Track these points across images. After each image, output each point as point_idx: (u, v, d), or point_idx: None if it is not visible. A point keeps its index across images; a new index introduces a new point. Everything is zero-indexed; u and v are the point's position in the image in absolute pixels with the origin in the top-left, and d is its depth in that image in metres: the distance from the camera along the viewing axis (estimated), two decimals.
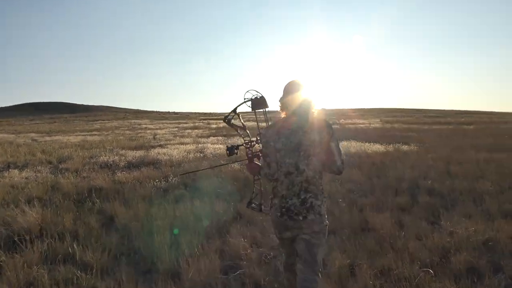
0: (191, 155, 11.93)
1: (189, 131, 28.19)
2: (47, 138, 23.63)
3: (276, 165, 2.35)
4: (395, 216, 4.65)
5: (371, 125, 30.80)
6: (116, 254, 3.74)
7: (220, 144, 15.70)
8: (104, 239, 4.07)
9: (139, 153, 12.82)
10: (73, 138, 22.86)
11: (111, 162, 10.74)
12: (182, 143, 16.76)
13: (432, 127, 26.30)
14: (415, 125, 28.97)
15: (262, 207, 2.68)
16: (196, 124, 40.17)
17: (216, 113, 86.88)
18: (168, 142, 17.88)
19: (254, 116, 2.61)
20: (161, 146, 15.87)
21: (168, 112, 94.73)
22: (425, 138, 16.98)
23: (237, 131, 2.71)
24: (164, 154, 12.34)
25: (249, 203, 2.73)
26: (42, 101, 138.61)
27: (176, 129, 31.49)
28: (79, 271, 3.25)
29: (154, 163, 10.47)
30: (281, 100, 2.43)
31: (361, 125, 29.80)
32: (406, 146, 13.31)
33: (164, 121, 50.63)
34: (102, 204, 5.55)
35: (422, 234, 3.95)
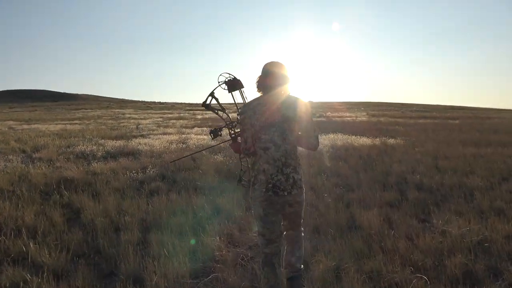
0: (173, 146, 11.51)
1: (174, 121, 27.61)
2: (25, 126, 22.84)
3: (251, 140, 2.45)
4: (383, 213, 4.36)
5: (358, 118, 30.71)
6: (76, 254, 3.35)
7: (204, 135, 15.29)
8: (65, 237, 3.67)
9: (119, 143, 12.33)
10: (53, 127, 22.13)
11: (88, 152, 10.25)
12: (165, 134, 16.30)
13: (418, 121, 26.31)
14: (401, 119, 28.99)
15: (251, 183, 2.64)
16: (182, 114, 39.52)
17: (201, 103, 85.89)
18: (151, 132, 17.37)
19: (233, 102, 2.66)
20: (143, 136, 15.38)
21: (154, 102, 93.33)
22: (412, 132, 16.87)
23: (217, 114, 2.75)
24: (145, 144, 11.90)
25: (239, 180, 2.80)
26: (24, 88, 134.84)
27: (161, 119, 30.85)
28: (30, 274, 2.85)
29: (134, 154, 10.03)
30: (259, 79, 2.50)
31: (348, 118, 29.69)
32: (393, 140, 13.12)
33: (149, 111, 49.78)
34: (70, 196, 5.13)
35: (413, 233, 3.66)
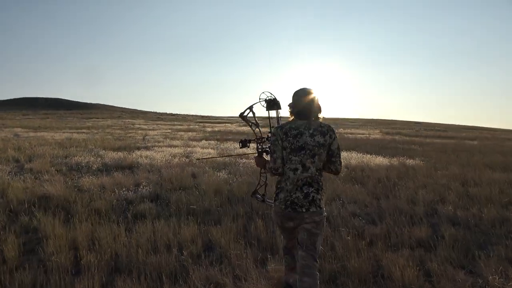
0: (176, 160, 10.77)
1: (182, 133, 27.01)
2: (31, 134, 22.43)
3: (281, 161, 2.61)
4: (416, 257, 3.50)
5: (371, 136, 29.69)
6: None
7: (211, 149, 14.54)
8: (8, 279, 2.88)
9: (119, 155, 11.66)
10: (59, 136, 21.66)
11: (84, 164, 9.56)
12: (170, 146, 15.60)
13: (434, 141, 25.16)
14: (417, 138, 27.85)
15: (266, 198, 2.89)
16: (191, 126, 38.96)
17: (213, 116, 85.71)
18: (156, 144, 16.70)
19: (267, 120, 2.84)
20: (147, 148, 14.72)
21: (165, 113, 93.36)
22: (430, 152, 15.86)
23: (251, 127, 2.95)
24: (146, 157, 11.18)
25: (254, 192, 2.93)
26: (39, 96, 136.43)
27: (169, 130, 30.28)
28: None
29: (132, 167, 9.31)
30: (291, 104, 2.67)
31: (361, 135, 28.68)
32: (412, 160, 12.18)
33: (159, 122, 49.43)
34: (42, 218, 4.36)
35: None
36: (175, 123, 48.35)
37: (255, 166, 2.92)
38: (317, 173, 2.60)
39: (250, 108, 2.94)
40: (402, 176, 8.37)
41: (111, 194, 5.81)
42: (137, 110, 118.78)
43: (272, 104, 2.85)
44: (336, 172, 2.73)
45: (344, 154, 13.06)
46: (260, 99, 2.86)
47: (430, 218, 4.97)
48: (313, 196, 2.56)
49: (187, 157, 11.67)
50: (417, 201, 5.78)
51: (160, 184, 6.73)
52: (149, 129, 31.54)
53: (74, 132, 25.15)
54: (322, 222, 2.62)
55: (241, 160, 10.95)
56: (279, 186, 2.66)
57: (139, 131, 28.07)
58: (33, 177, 7.44)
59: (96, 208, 4.90)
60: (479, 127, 73.47)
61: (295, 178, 2.56)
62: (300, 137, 2.57)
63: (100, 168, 9.20)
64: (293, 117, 2.69)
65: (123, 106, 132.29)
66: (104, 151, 12.81)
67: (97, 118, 59.26)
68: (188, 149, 14.25)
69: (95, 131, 26.92)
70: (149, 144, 16.34)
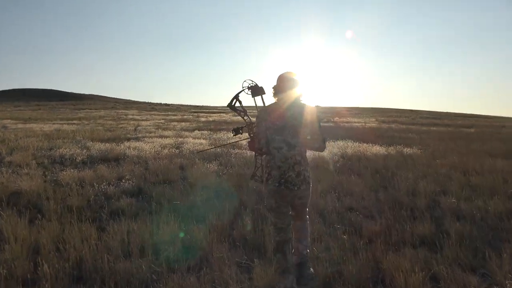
0: (165, 151, 10.35)
1: (175, 123, 26.52)
2: (20, 126, 21.86)
3: (264, 141, 2.74)
4: (421, 258, 3.13)
5: (367, 124, 29.35)
6: None
7: (203, 139, 14.10)
8: None
9: (107, 146, 11.21)
10: (48, 127, 21.12)
11: (68, 156, 9.12)
12: (162, 136, 15.16)
13: (431, 129, 24.89)
14: (413, 126, 27.57)
15: (264, 179, 2.85)
16: (185, 116, 38.40)
17: (207, 106, 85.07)
18: (148, 134, 16.24)
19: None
20: (137, 138, 14.27)
21: (159, 104, 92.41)
22: (427, 140, 15.55)
23: (240, 115, 3.03)
24: (135, 148, 10.75)
25: (253, 175, 3.01)
26: (31, 87, 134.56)
27: (163, 121, 29.77)
28: None
29: (118, 159, 8.88)
30: (275, 86, 2.80)
31: (357, 124, 28.32)
32: (409, 149, 11.84)
33: (152, 112, 48.78)
34: (8, 218, 3.95)
35: None
36: (169, 113, 47.73)
37: (248, 151, 3.10)
38: (302, 151, 2.77)
39: (236, 97, 3.00)
40: (400, 166, 8.01)
41: (90, 189, 5.40)
42: (131, 100, 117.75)
43: (256, 90, 2.91)
44: (320, 150, 2.84)
45: (340, 144, 12.68)
46: (243, 87, 2.93)
47: (432, 211, 4.61)
48: (304, 174, 2.75)
49: (177, 148, 11.25)
50: (417, 192, 5.42)
51: (145, 177, 6.33)
52: (142, 120, 30.99)
53: (65, 123, 24.58)
54: (310, 193, 2.88)
55: (233, 150, 10.55)
56: (268, 165, 2.78)
57: (132, 122, 27.52)
58: (10, 171, 7.00)
59: (70, 205, 4.49)
60: (474, 114, 73.35)
61: (280, 156, 2.70)
62: (282, 118, 2.69)
63: (84, 160, 8.76)
64: (276, 98, 2.80)
65: (117, 97, 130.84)
66: (91, 142, 12.34)
67: (90, 109, 58.45)
68: (180, 139, 13.83)
69: (86, 122, 26.36)
70: (140, 135, 15.89)
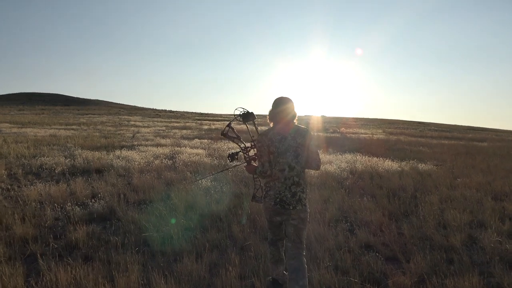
0: (157, 162, 9.44)
1: (176, 131, 25.71)
2: (14, 130, 21.11)
3: (269, 164, 2.85)
4: None
5: (374, 136, 28.31)
6: None
7: (201, 149, 13.18)
8: None
9: (96, 155, 10.35)
10: (44, 132, 20.37)
11: (48, 166, 8.23)
12: (158, 145, 14.28)
13: (442, 142, 23.79)
14: (422, 139, 26.50)
15: (262, 198, 2.98)
16: (188, 124, 37.58)
17: (212, 113, 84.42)
18: (144, 142, 15.39)
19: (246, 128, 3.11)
20: (131, 147, 13.42)
21: (164, 110, 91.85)
22: (440, 154, 14.54)
23: (234, 141, 3.20)
24: (124, 158, 9.86)
25: (253, 197, 3.13)
26: (38, 91, 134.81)
27: (164, 128, 28.99)
28: None
29: (102, 171, 7.99)
30: (271, 112, 2.92)
31: (364, 135, 27.26)
32: (423, 165, 10.85)
33: (156, 119, 48.05)
34: None
35: None
36: (172, 120, 47.01)
37: (247, 173, 3.19)
38: (302, 172, 2.88)
39: (229, 125, 3.15)
40: (419, 187, 7.03)
41: (50, 210, 4.48)
42: (136, 106, 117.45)
43: (248, 116, 3.06)
44: (317, 168, 2.97)
45: (348, 157, 11.73)
46: (235, 115, 3.08)
47: (472, 253, 3.63)
48: (299, 195, 2.84)
49: (171, 158, 10.34)
50: (448, 224, 4.44)
51: (123, 196, 5.40)
52: (143, 126, 30.23)
53: (62, 129, 23.85)
54: (306, 218, 2.90)
55: (232, 163, 9.63)
56: (267, 185, 2.90)
57: (132, 128, 26.75)
58: None
59: (15, 236, 3.56)
60: (483, 128, 71.91)
61: (282, 177, 2.81)
62: (284, 141, 2.83)
63: (64, 171, 7.87)
64: (271, 123, 2.93)
65: (123, 103, 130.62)
66: (81, 150, 11.49)
67: (93, 114, 57.92)
68: (177, 148, 12.93)
69: (85, 128, 25.63)
70: (135, 143, 15.03)
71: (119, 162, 8.94)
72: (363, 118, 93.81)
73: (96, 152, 10.95)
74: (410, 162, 11.16)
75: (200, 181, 6.88)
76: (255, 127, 3.09)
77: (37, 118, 39.86)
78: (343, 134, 27.46)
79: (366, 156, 12.00)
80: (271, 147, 2.80)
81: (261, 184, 3.03)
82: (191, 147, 13.69)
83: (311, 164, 2.90)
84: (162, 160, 9.77)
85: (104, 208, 4.76)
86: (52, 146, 12.73)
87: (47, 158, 9.22)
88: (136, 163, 9.08)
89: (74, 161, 9.11)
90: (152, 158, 10.22)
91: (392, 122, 74.97)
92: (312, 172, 8.55)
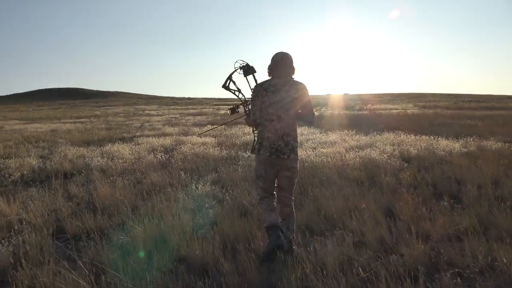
0: (150, 157, 7.45)
1: (190, 117, 23.83)
2: (17, 127, 19.80)
3: (259, 113, 2.95)
4: None
5: (408, 110, 25.54)
6: None
7: (211, 137, 11.10)
8: None
9: (81, 151, 8.49)
10: (47, 127, 18.97)
11: (6, 172, 6.37)
12: (164, 135, 12.36)
13: (486, 113, 20.85)
14: (463, 111, 23.56)
15: (256, 150, 2.99)
16: (204, 110, 35.65)
17: (231, 98, 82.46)
18: (148, 133, 13.48)
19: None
20: (131, 139, 11.56)
21: (183, 98, 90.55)
22: (499, 128, 11.94)
23: (235, 94, 3.20)
24: (110, 155, 7.92)
25: (253, 149, 3.07)
26: (59, 87, 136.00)
27: (178, 115, 27.13)
28: None
29: (72, 175, 6.05)
30: (269, 66, 3.02)
31: (396, 111, 24.52)
32: (489, 142, 8.46)
33: (172, 107, 46.46)
34: None
35: None
36: (189, 107, 45.24)
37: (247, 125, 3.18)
38: (293, 124, 2.98)
39: (230, 77, 3.13)
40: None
41: None
42: (155, 96, 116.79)
43: (247, 69, 3.07)
44: (310, 123, 3.27)
45: (389, 137, 9.42)
46: (235, 68, 3.09)
47: None
48: (292, 144, 2.95)
49: (170, 152, 8.35)
50: None
51: (53, 228, 3.36)
52: (157, 115, 28.51)
53: (70, 122, 22.38)
54: (297, 169, 3.04)
55: (244, 153, 7.55)
56: (260, 136, 2.98)
57: (143, 118, 25.05)
58: None
59: None
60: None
61: (271, 127, 2.91)
62: (278, 93, 2.93)
63: (23, 177, 5.99)
64: (271, 77, 3.01)
65: (142, 93, 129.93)
66: (68, 146, 9.64)
67: (110, 106, 56.96)
68: (183, 138, 10.94)
69: (95, 120, 24.13)
70: (137, 134, 13.15)
71: (99, 162, 6.98)
72: (389, 93, 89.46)
73: (83, 149, 9.07)
74: (468, 139, 8.76)
75: (194, 187, 4.81)
76: (255, 81, 3.09)
77: (52, 113, 38.87)
78: (372, 111, 24.81)
79: (411, 135, 9.67)
80: (264, 96, 2.92)
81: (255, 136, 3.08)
82: (199, 136, 11.66)
83: (304, 118, 3.01)
84: (157, 154, 7.77)
85: (15, 252, 2.74)
86: (38, 143, 10.99)
87: (16, 160, 7.36)
88: (121, 161, 7.11)
89: (48, 162, 7.23)
90: (146, 152, 8.25)
91: (421, 95, 70.78)
92: (350, 161, 6.38)
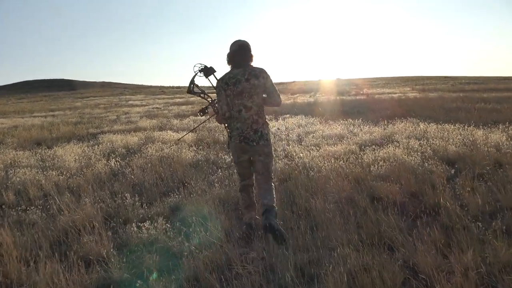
0: (99, 165, 5.58)
1: (175, 107, 21.82)
2: None
3: (226, 107, 2.99)
4: None
5: (408, 94, 23.75)
6: None
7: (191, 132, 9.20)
8: None
9: (20, 156, 6.59)
10: (12, 122, 17.00)
11: None
12: (136, 130, 10.47)
13: (497, 95, 19.04)
14: (469, 94, 21.75)
15: (228, 139, 3.09)
16: (191, 99, 33.52)
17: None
18: (118, 127, 11.57)
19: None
20: (93, 135, 9.68)
21: (171, 87, 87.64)
22: None
23: (201, 97, 3.27)
24: (53, 161, 6.02)
25: (228, 145, 3.14)
26: (43, 78, 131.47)
27: (162, 105, 25.03)
28: None
29: None
30: (228, 54, 3.02)
31: (395, 95, 22.65)
32: None
33: (159, 96, 44.22)
34: None
35: None
36: (176, 96, 43.00)
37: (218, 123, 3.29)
38: (260, 111, 3.01)
39: (192, 82, 3.17)
40: None
41: None
42: (142, 85, 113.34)
43: (207, 71, 3.12)
44: (277, 105, 3.08)
45: (408, 128, 7.61)
46: (195, 72, 3.14)
47: None
48: (261, 131, 2.99)
49: (136, 152, 6.49)
50: None
51: None
52: (140, 105, 26.41)
53: (40, 116, 20.31)
54: (271, 152, 3.08)
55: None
56: (230, 127, 3.04)
57: (123, 109, 22.96)
58: None
59: None
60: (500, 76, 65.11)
61: (240, 117, 2.95)
62: (239, 83, 2.93)
63: None
64: (230, 65, 3.02)
65: (130, 83, 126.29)
66: (8, 150, 7.71)
67: (95, 97, 54.46)
68: (156, 133, 9.09)
69: (69, 113, 22.07)
70: (106, 129, 11.24)
71: (25, 174, 5.09)
72: (382, 77, 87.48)
73: (23, 153, 7.16)
74: (504, 127, 7.01)
75: (135, 226, 2.98)
76: (216, 79, 3.08)
77: (29, 106, 36.33)
78: (370, 96, 23.00)
79: (432, 124, 7.91)
80: (227, 90, 2.94)
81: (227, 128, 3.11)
82: (175, 131, 9.76)
83: (271, 101, 3.02)
84: (113, 159, 5.89)
85: None
86: None
87: None
88: (57, 172, 5.21)
89: None
90: (101, 155, 6.37)
91: (415, 79, 68.83)
92: (372, 166, 4.54)
